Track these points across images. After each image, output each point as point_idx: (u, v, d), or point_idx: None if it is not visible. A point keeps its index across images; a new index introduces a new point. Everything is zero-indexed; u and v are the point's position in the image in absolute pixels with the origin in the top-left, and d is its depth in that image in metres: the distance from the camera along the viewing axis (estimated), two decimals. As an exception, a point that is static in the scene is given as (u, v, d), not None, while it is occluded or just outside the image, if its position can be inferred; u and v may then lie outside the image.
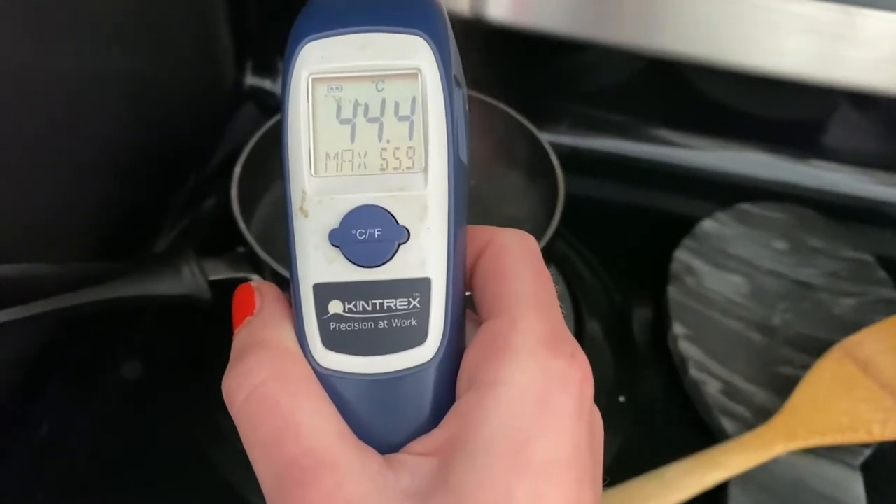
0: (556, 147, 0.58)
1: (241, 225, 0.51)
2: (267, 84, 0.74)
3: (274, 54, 0.74)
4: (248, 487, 0.52)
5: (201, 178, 0.68)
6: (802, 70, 0.61)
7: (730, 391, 0.56)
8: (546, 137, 0.59)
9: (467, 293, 0.27)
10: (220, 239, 0.54)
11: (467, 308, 0.27)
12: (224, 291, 0.49)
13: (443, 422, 0.25)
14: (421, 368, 0.25)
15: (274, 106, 0.73)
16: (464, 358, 0.26)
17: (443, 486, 0.23)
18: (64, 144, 0.50)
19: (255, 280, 0.49)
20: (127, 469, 0.53)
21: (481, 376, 0.25)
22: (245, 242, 0.51)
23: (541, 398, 0.24)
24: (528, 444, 0.23)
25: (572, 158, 0.59)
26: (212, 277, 0.50)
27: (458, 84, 0.27)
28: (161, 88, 0.61)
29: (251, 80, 0.74)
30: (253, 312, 0.27)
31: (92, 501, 0.52)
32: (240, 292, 0.28)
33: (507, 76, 0.64)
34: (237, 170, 0.55)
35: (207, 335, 0.57)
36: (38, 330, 0.53)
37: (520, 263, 0.27)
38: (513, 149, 0.61)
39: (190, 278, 0.49)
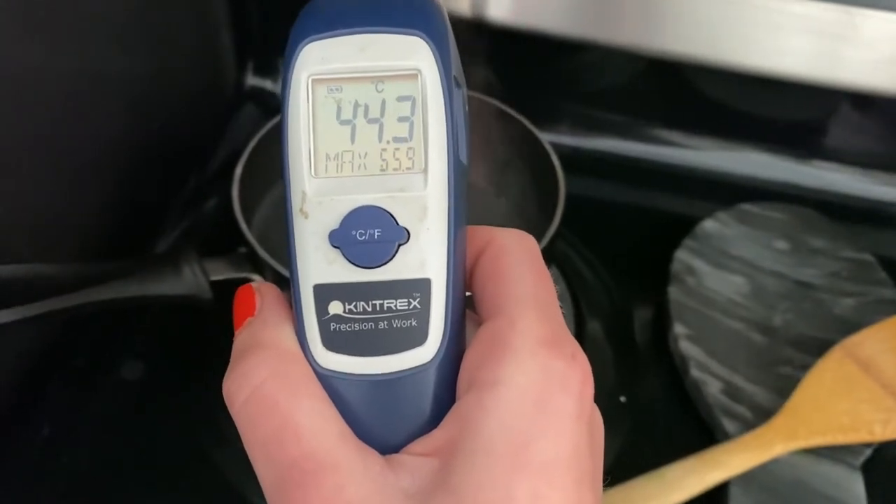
0: (557, 147, 0.58)
1: (243, 225, 0.51)
2: (268, 84, 0.74)
3: (275, 55, 0.74)
4: (250, 488, 0.52)
5: (202, 178, 0.68)
6: (803, 70, 0.61)
7: (731, 391, 0.56)
8: (547, 138, 0.59)
9: (467, 293, 0.27)
10: (222, 239, 0.54)
11: (467, 308, 0.27)
12: (225, 291, 0.49)
13: (443, 422, 0.25)
14: (421, 369, 0.25)
15: (275, 106, 0.73)
16: (464, 358, 0.26)
17: (443, 487, 0.23)
18: (65, 145, 0.50)
19: (256, 281, 0.49)
20: (128, 469, 0.53)
21: (481, 377, 0.25)
22: (246, 243, 0.51)
23: (541, 399, 0.24)
24: (529, 444, 0.23)
25: (573, 158, 0.59)
26: (213, 277, 0.50)
27: (458, 84, 0.27)
28: (162, 89, 0.61)
29: (252, 80, 0.74)
30: (253, 313, 0.27)
31: (93, 502, 0.52)
32: (240, 293, 0.28)
33: (507, 77, 0.64)
34: (238, 170, 0.55)
35: (208, 335, 0.57)
36: (39, 330, 0.53)
37: (519, 264, 0.27)
38: (513, 149, 0.61)
39: (191, 278, 0.49)
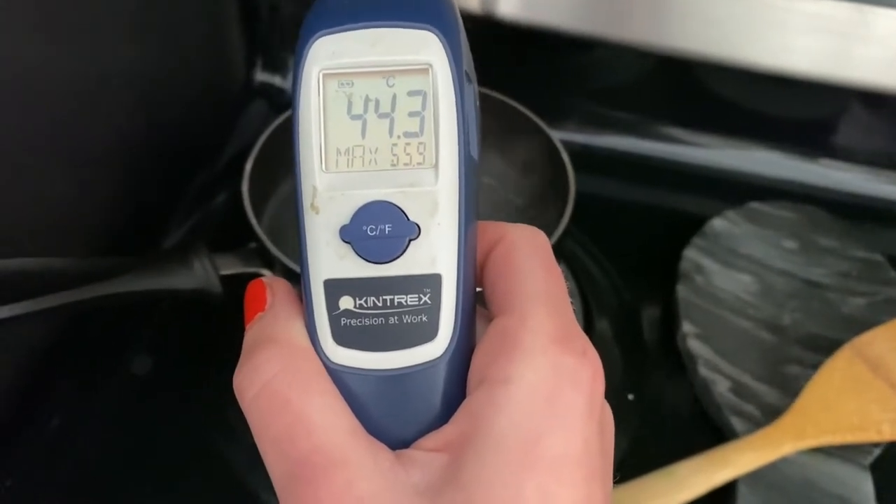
0: (566, 145, 0.58)
1: (253, 220, 0.52)
2: (277, 80, 0.74)
3: (284, 51, 0.74)
4: (258, 482, 0.52)
5: (212, 174, 0.69)
6: (814, 68, 0.61)
7: (739, 390, 0.56)
8: (555, 135, 0.59)
9: (478, 289, 0.27)
10: (231, 234, 0.54)
11: (478, 304, 0.27)
12: (235, 286, 0.50)
13: (453, 418, 0.25)
14: (431, 364, 0.25)
15: (284, 102, 0.73)
16: (474, 355, 0.26)
17: (453, 483, 0.23)
18: (73, 142, 0.50)
19: (267, 276, 0.49)
20: (136, 463, 0.53)
21: (492, 374, 0.25)
22: (256, 238, 0.51)
23: (551, 396, 0.24)
24: (539, 441, 0.23)
25: (582, 156, 0.59)
26: (223, 272, 0.50)
27: (469, 79, 0.27)
28: (171, 85, 0.61)
29: (261, 76, 0.74)
30: (264, 308, 0.27)
31: (101, 496, 0.52)
32: (251, 288, 0.28)
33: (516, 73, 0.64)
34: (248, 166, 0.55)
35: (217, 330, 0.57)
36: (48, 325, 0.53)
37: (530, 260, 0.27)
38: (523, 146, 0.61)
39: (201, 273, 0.49)
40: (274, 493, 0.25)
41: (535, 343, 0.25)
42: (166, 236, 0.64)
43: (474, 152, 0.26)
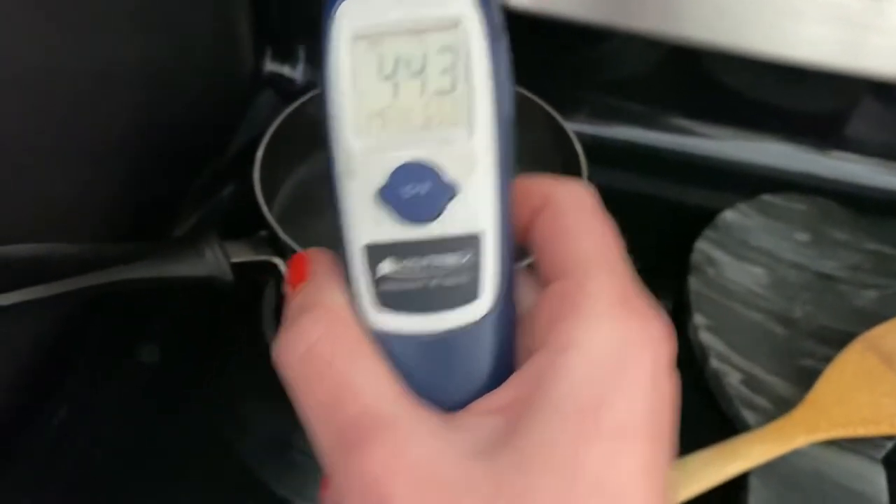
0: (577, 136, 0.58)
1: (264, 207, 0.51)
2: (286, 70, 0.74)
3: (293, 40, 0.73)
4: (267, 472, 0.52)
5: (221, 164, 0.68)
6: (827, 59, 0.60)
7: (751, 382, 0.56)
8: (568, 126, 0.58)
9: (528, 261, 0.27)
10: (241, 223, 0.54)
11: (523, 268, 0.27)
12: (246, 274, 0.49)
13: (509, 381, 0.25)
14: (475, 325, 0.25)
15: (294, 91, 0.72)
16: (532, 320, 0.25)
17: (509, 446, 0.23)
18: (82, 131, 0.50)
19: (275, 261, 0.49)
20: (143, 453, 0.53)
21: (553, 338, 0.24)
22: (267, 225, 0.51)
23: (615, 361, 0.23)
24: (602, 407, 0.23)
25: (593, 147, 0.59)
26: (234, 259, 0.50)
27: (501, 34, 0.26)
28: (179, 75, 0.60)
29: (270, 65, 0.74)
30: (306, 279, 0.27)
31: (108, 486, 0.52)
32: (294, 260, 0.28)
33: (528, 64, 0.63)
34: (259, 153, 0.54)
35: (226, 320, 0.57)
36: (55, 313, 0.53)
37: (582, 221, 0.26)
38: (535, 137, 0.60)
39: (212, 260, 0.49)
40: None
41: (596, 307, 0.24)
42: (175, 228, 0.64)
43: (508, 108, 0.26)
